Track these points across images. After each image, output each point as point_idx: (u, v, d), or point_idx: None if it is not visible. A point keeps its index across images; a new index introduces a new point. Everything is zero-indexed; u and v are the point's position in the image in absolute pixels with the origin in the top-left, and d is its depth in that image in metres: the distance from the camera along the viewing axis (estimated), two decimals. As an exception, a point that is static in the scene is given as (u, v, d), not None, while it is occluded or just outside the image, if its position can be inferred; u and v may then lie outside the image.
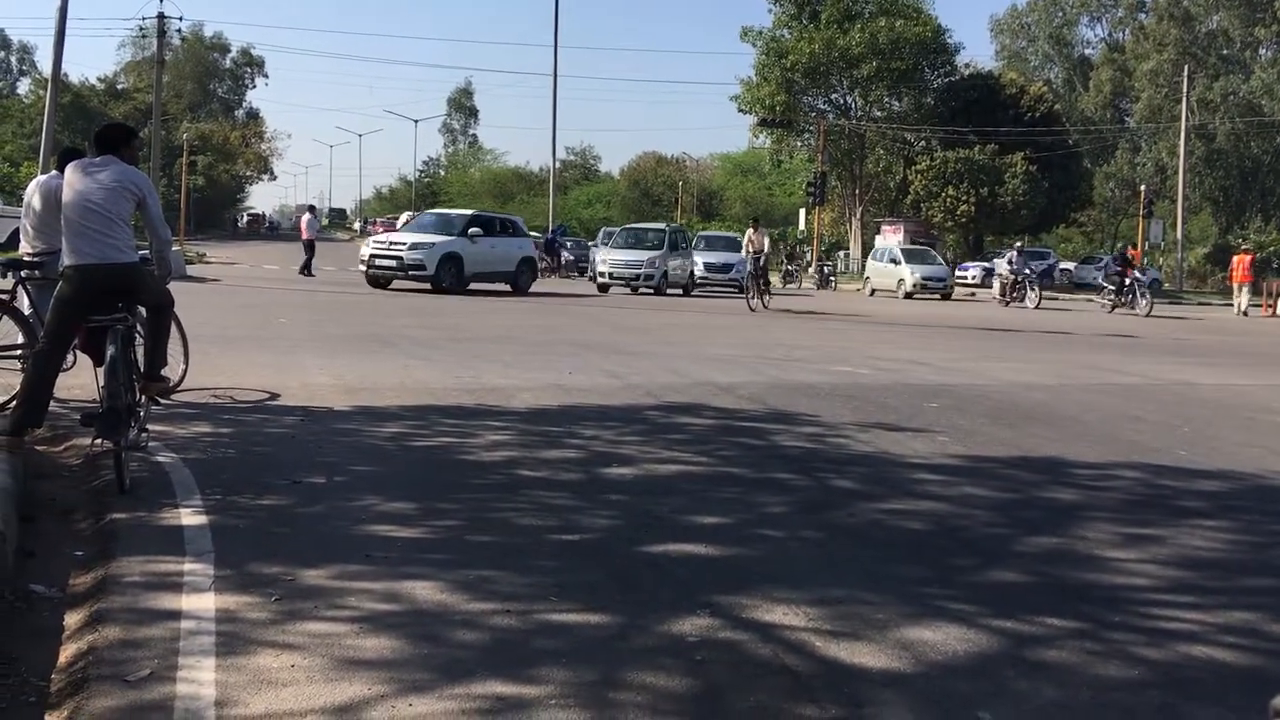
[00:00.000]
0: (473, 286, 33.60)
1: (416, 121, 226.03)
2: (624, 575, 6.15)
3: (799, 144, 74.80)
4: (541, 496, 7.73)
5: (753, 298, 32.61)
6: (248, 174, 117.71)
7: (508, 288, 34.53)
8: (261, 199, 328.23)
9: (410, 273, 31.62)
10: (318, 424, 9.98)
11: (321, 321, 20.79)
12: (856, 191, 72.60)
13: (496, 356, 15.77)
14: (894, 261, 48.62)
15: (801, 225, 73.53)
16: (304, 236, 42.31)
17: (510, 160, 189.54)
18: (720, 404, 12.09)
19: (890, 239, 60.38)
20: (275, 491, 7.65)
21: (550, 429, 10.18)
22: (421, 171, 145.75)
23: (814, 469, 9.01)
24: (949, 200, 65.09)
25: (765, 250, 34.34)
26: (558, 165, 76.11)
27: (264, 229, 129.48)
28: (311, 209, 47.22)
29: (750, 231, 33.90)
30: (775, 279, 47.69)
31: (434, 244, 32.05)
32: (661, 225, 43.52)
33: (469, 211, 36.40)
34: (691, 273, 41.35)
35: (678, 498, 7.82)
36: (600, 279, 39.37)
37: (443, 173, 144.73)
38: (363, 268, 32.38)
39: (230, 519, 6.95)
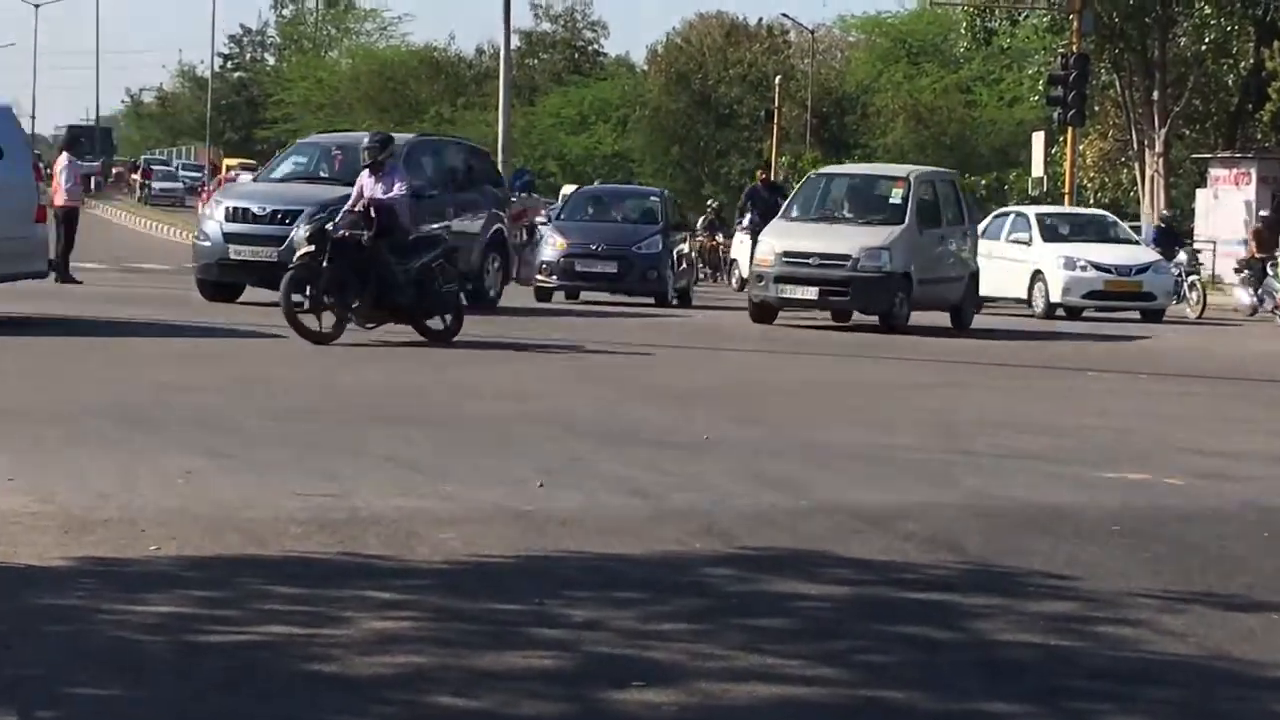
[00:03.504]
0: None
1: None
2: None
3: (1030, -3, 42.18)
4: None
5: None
6: None
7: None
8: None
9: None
10: (3, 598, 6.78)
11: (10, 376, 13.09)
12: (1154, 97, 41.62)
13: (384, 448, 9.73)
14: None
15: (1036, 166, 41.12)
16: (58, 202, 23.99)
17: (416, 35, 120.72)
18: (864, 552, 7.69)
19: (1230, 192, 37.32)
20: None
21: (500, 607, 6.68)
22: (226, 59, 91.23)
23: (1068, 692, 5.76)
24: None
25: None
26: (515, 45, 42.93)
27: None
28: (73, 142, 30.10)
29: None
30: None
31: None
32: (898, 169, 24.18)
33: None
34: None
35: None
36: (763, 292, 20.59)
37: (271, 60, 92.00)
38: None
39: None
